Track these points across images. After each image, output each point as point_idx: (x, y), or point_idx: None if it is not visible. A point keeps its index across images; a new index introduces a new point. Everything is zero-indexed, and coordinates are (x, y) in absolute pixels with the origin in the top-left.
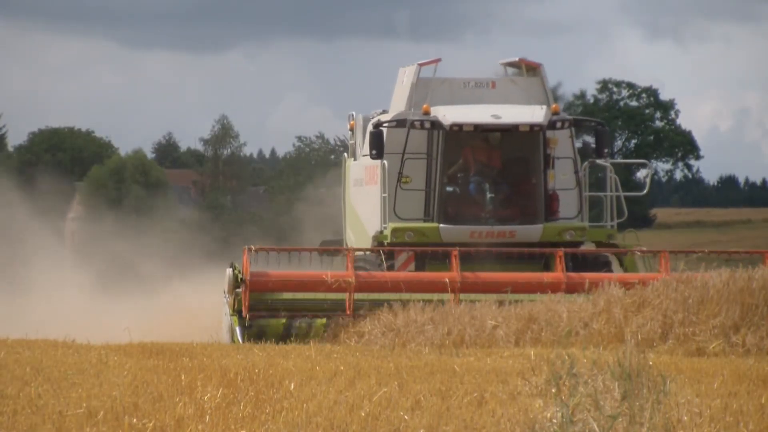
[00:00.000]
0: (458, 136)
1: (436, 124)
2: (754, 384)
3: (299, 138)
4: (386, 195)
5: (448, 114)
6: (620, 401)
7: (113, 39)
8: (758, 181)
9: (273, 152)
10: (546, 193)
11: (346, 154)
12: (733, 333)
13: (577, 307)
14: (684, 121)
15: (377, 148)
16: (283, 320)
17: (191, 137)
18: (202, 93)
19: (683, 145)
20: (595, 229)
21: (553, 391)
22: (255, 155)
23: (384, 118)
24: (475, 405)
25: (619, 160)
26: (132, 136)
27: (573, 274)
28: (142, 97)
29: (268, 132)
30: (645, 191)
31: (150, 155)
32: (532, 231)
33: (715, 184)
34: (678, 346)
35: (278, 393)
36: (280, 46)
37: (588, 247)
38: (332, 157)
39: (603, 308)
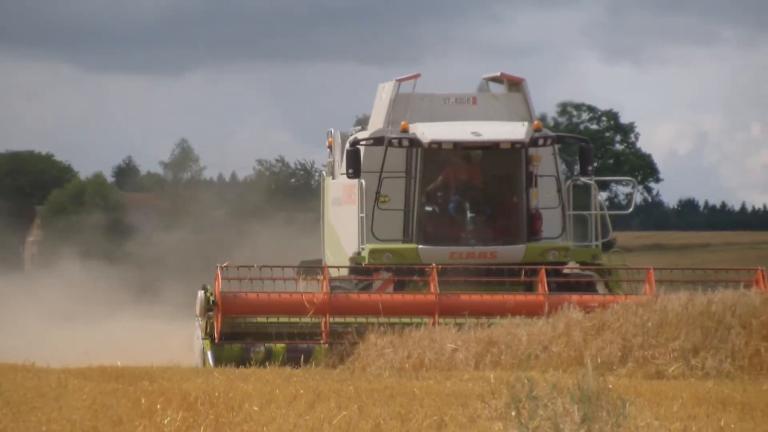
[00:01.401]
0: (437, 154)
1: (414, 142)
2: (714, 407)
3: (259, 162)
4: (363, 215)
5: (427, 131)
6: (580, 424)
7: (73, 62)
8: (717, 205)
9: (233, 176)
10: (528, 212)
11: (324, 173)
12: (693, 356)
13: (536, 330)
14: (644, 144)
15: (354, 166)
16: (239, 345)
17: (151, 161)
18: (163, 116)
19: (643, 168)
20: (579, 249)
21: (513, 414)
22: (215, 179)
23: (362, 135)
24: (435, 428)
25: (604, 177)
26: (92, 159)
27: (554, 296)
28: (103, 121)
29: (229, 156)
30: (630, 209)
31: (110, 179)
32: (515, 251)
33: (675, 207)
34: (637, 369)
35: (238, 416)
36: (239, 70)
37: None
38: (293, 180)
39: (563, 331)
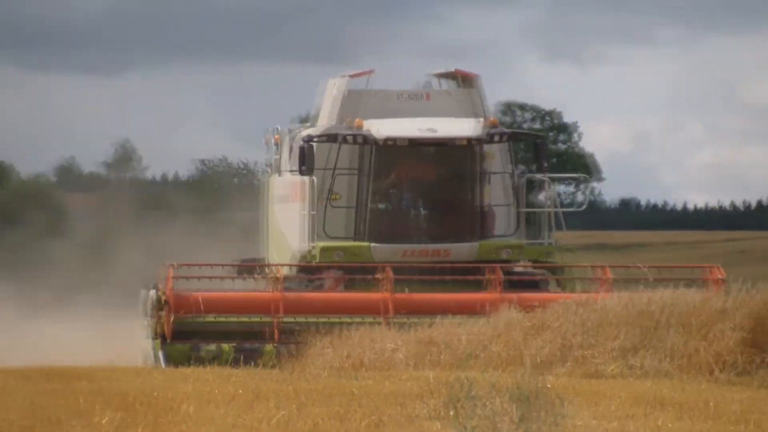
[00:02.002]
0: (391, 150)
1: (368, 139)
2: (651, 406)
3: (202, 161)
4: (314, 212)
5: (381, 128)
6: (518, 423)
7: (12, 62)
8: (659, 204)
9: (176, 175)
10: (481, 210)
11: (268, 169)
12: (632, 355)
13: (476, 330)
14: (586, 144)
15: (307, 163)
16: (188, 345)
17: (94, 161)
18: (104, 116)
19: (585, 168)
20: (533, 247)
21: (452, 413)
22: (158, 178)
23: (313, 131)
24: (374, 428)
25: (558, 174)
26: (34, 160)
27: (509, 294)
28: (44, 121)
29: (171, 155)
30: (583, 206)
31: (52, 179)
32: (468, 249)
33: (616, 206)
34: (576, 368)
35: (176, 416)
36: (180, 70)
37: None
38: (235, 180)
39: (502, 331)
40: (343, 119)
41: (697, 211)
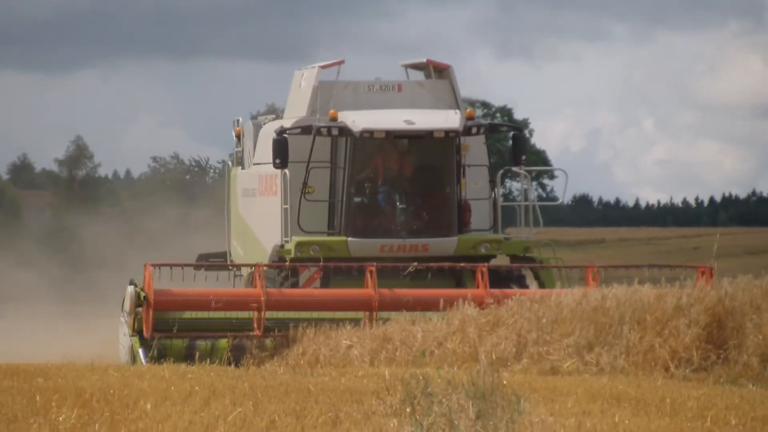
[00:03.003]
0: (367, 143)
1: (344, 131)
2: (608, 403)
3: (154, 159)
4: (288, 206)
5: (358, 119)
6: (475, 420)
7: None
8: (612, 201)
9: (128, 173)
10: (459, 204)
11: (230, 163)
12: (587, 352)
13: (431, 327)
14: (538, 141)
15: (281, 156)
16: (185, 341)
17: (47, 158)
18: (57, 113)
19: (538, 165)
20: (511, 242)
21: (408, 410)
22: (110, 176)
23: (275, 124)
24: (330, 425)
25: (535, 168)
26: None
27: (496, 291)
28: None
29: (123, 152)
30: (560, 200)
31: (4, 176)
32: (446, 244)
33: (569, 203)
34: (532, 365)
35: (133, 413)
36: (132, 67)
37: (502, 260)
38: (187, 177)
39: (458, 328)
40: (314, 111)
41: (649, 208)
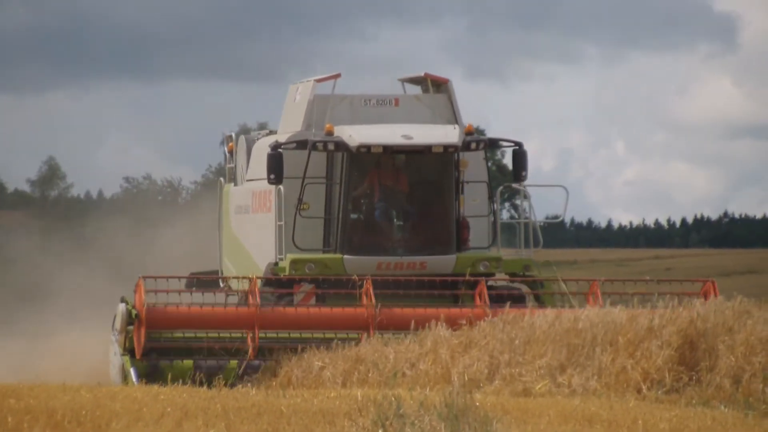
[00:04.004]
0: (364, 158)
1: (340, 145)
2: (580, 424)
3: (126, 179)
4: (282, 223)
5: (354, 134)
6: None
7: None
8: (584, 222)
9: (100, 193)
10: (458, 221)
11: (222, 179)
12: (559, 373)
13: (404, 348)
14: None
15: (276, 172)
16: (190, 362)
17: (19, 178)
18: (29, 134)
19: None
20: (511, 260)
21: (380, 431)
22: (82, 196)
23: (268, 139)
24: None
25: (535, 184)
26: None
27: (498, 309)
28: None
29: (95, 173)
30: (561, 218)
31: None
32: (445, 262)
33: (542, 224)
34: (504, 386)
35: None
36: (103, 88)
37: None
38: (159, 198)
39: (430, 349)
40: (310, 125)
41: (622, 229)
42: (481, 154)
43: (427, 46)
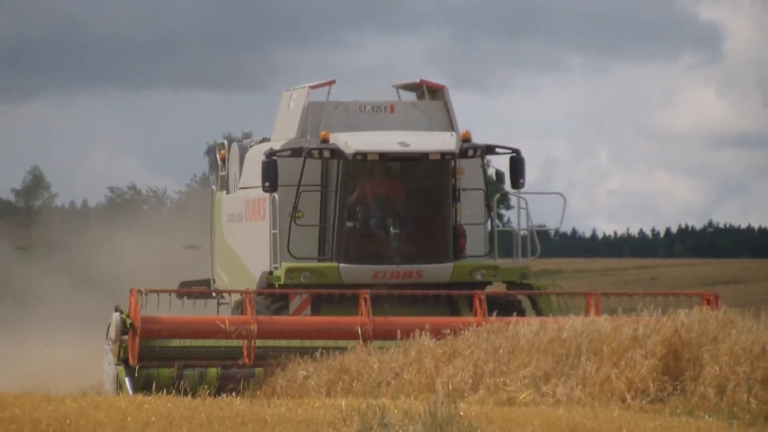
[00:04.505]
0: (360, 165)
1: (336, 153)
2: None
3: (111, 189)
4: (276, 231)
5: (350, 141)
6: None
7: None
8: (568, 232)
9: (85, 203)
10: (455, 229)
11: (214, 187)
12: (544, 383)
13: (388, 358)
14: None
15: (271, 179)
16: (174, 369)
17: (3, 188)
18: (12, 143)
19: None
20: (508, 268)
21: None
22: (66, 206)
23: (262, 146)
24: None
25: (532, 192)
26: None
27: (495, 318)
28: None
29: (80, 182)
30: (559, 226)
31: None
32: (442, 270)
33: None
34: (489, 395)
35: None
36: (87, 97)
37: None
38: (144, 207)
39: (414, 358)
40: (305, 132)
41: (606, 239)
42: (477, 161)
43: (411, 55)
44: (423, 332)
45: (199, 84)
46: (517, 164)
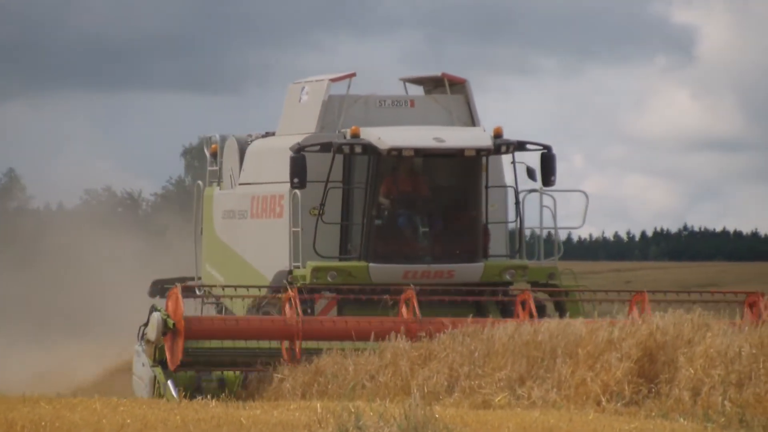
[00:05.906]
0: (393, 161)
1: (369, 148)
2: None
3: (87, 191)
4: (298, 229)
5: (384, 136)
6: None
7: None
8: (543, 235)
9: (60, 205)
10: (485, 227)
11: (200, 183)
12: (519, 386)
13: (363, 360)
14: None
15: (300, 175)
16: (193, 374)
17: None
18: None
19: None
20: (534, 268)
21: None
22: (42, 208)
23: (264, 141)
24: None
25: (557, 189)
26: None
27: (540, 320)
28: None
29: (55, 185)
30: (582, 225)
31: None
32: (473, 270)
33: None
34: (464, 398)
35: None
36: (63, 99)
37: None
38: (120, 210)
39: (390, 361)
40: (324, 127)
41: (582, 242)
42: (499, 157)
43: (385, 57)
44: (397, 335)
45: (173, 86)
46: (548, 161)
